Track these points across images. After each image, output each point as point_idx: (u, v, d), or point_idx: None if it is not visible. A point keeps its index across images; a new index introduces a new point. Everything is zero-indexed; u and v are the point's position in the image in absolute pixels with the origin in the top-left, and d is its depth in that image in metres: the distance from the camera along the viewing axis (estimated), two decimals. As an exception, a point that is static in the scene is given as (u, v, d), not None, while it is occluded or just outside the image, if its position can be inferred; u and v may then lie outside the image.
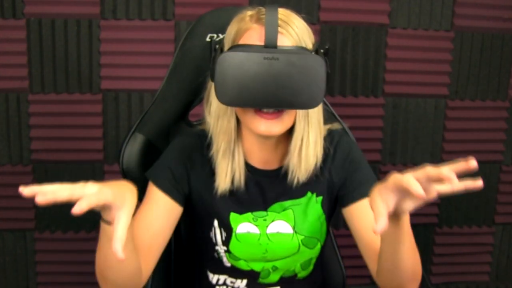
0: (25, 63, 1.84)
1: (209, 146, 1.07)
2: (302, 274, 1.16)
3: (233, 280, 1.14)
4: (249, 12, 1.00)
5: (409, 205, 0.80)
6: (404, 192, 0.77)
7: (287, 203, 1.09)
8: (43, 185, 0.72)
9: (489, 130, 2.08)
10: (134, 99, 1.89)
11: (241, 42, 0.97)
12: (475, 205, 2.12)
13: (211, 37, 1.21)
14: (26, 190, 0.71)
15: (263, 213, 1.09)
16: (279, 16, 0.95)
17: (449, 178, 0.72)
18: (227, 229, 1.08)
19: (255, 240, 1.08)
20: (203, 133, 1.09)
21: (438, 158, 2.07)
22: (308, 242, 1.10)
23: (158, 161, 1.10)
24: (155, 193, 1.06)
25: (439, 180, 0.74)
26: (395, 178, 0.78)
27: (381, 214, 0.77)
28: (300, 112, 1.01)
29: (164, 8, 1.86)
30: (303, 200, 1.10)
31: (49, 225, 1.95)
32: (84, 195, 0.74)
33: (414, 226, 0.89)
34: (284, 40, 0.95)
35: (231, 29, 1.00)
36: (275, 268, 1.12)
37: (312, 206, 1.10)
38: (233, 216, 1.08)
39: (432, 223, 2.11)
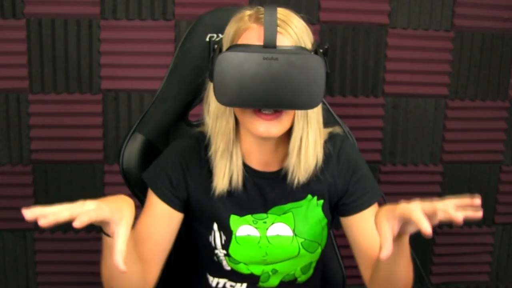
0: (25, 63, 1.84)
1: (207, 147, 1.06)
2: (302, 278, 1.15)
3: (233, 283, 1.14)
4: (248, 12, 0.99)
5: (412, 229, 0.85)
6: (409, 220, 0.82)
7: (287, 206, 1.09)
8: (44, 206, 0.75)
9: (489, 130, 2.08)
10: (134, 99, 1.89)
11: (240, 42, 0.96)
12: (475, 205, 2.12)
13: (211, 37, 1.21)
14: (28, 214, 0.75)
15: (263, 215, 1.08)
16: (278, 15, 0.94)
17: (456, 218, 0.78)
18: (227, 232, 1.07)
19: (255, 243, 1.08)
20: (201, 135, 1.09)
21: (438, 158, 2.07)
22: (309, 246, 1.10)
23: (156, 165, 1.10)
24: (154, 202, 1.06)
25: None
26: (404, 209, 0.82)
27: (387, 242, 0.82)
28: (299, 112, 1.00)
29: (164, 8, 1.86)
30: (303, 202, 1.09)
31: (49, 225, 1.95)
32: (84, 211, 0.78)
33: (414, 226, 0.90)
34: (283, 40, 0.94)
35: (230, 29, 0.99)
36: (275, 271, 1.11)
37: (312, 209, 1.10)
38: (233, 219, 1.07)
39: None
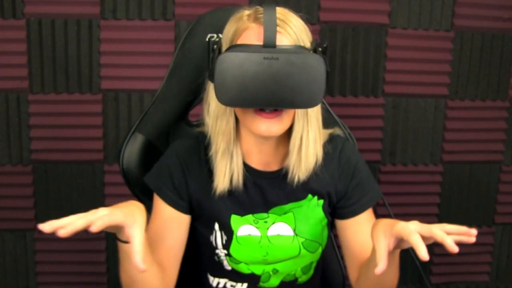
0: (25, 63, 1.84)
1: (207, 148, 1.07)
2: (303, 278, 1.15)
3: (234, 283, 1.14)
4: (247, 12, 0.99)
5: (405, 246, 0.89)
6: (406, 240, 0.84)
7: (288, 205, 1.09)
8: (58, 219, 0.77)
9: (489, 130, 2.08)
10: (134, 99, 1.89)
11: (240, 42, 0.96)
12: (475, 205, 2.12)
13: (211, 37, 1.21)
14: (46, 227, 0.76)
15: (264, 215, 1.08)
16: (277, 15, 0.94)
17: (451, 248, 0.81)
18: (228, 231, 1.08)
19: (256, 243, 1.08)
20: (201, 135, 1.09)
21: (438, 158, 2.07)
22: (309, 246, 1.10)
23: (158, 168, 1.10)
24: (161, 207, 1.07)
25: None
26: (403, 230, 0.85)
27: (383, 257, 0.85)
28: (299, 111, 1.00)
29: (164, 8, 1.86)
30: (304, 202, 1.09)
31: (49, 225, 1.95)
32: (98, 217, 0.80)
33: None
34: (283, 40, 0.94)
35: (229, 29, 0.99)
36: (275, 271, 1.11)
37: (313, 209, 1.10)
38: (234, 218, 1.07)
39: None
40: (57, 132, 1.90)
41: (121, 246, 0.92)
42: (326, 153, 1.08)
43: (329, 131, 1.12)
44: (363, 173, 1.12)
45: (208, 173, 1.07)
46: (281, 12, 0.97)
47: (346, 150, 1.11)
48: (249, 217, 1.08)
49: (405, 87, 2.00)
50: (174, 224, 1.07)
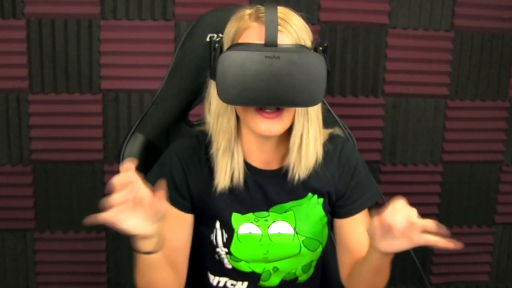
0: (25, 63, 1.84)
1: (208, 146, 1.07)
2: (303, 277, 1.16)
3: (234, 282, 1.14)
4: (248, 11, 1.00)
5: (398, 247, 0.94)
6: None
7: (288, 204, 1.09)
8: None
9: (489, 130, 2.08)
10: (134, 99, 1.89)
11: (241, 40, 0.96)
12: (475, 205, 2.12)
13: (211, 37, 1.21)
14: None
15: (264, 213, 1.09)
16: (278, 14, 0.95)
17: (450, 246, 0.90)
18: (229, 230, 1.08)
19: (257, 241, 1.08)
20: (202, 134, 1.09)
21: (438, 158, 2.07)
22: (310, 244, 1.10)
23: (158, 168, 1.10)
24: None
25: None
26: (388, 214, 0.92)
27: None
28: (299, 110, 1.01)
29: (164, 8, 1.86)
30: (304, 201, 1.10)
31: (49, 225, 1.95)
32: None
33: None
34: (284, 39, 0.95)
35: (230, 28, 1.00)
36: (276, 269, 1.12)
37: (313, 208, 1.10)
38: (235, 217, 1.08)
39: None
40: (57, 132, 1.90)
41: (143, 257, 0.95)
42: (326, 152, 1.09)
43: (329, 130, 1.12)
44: (362, 174, 1.12)
45: (209, 171, 1.07)
46: (282, 11, 0.97)
47: (346, 150, 1.12)
48: (250, 215, 1.08)
49: (405, 87, 2.00)
50: (179, 224, 1.07)
